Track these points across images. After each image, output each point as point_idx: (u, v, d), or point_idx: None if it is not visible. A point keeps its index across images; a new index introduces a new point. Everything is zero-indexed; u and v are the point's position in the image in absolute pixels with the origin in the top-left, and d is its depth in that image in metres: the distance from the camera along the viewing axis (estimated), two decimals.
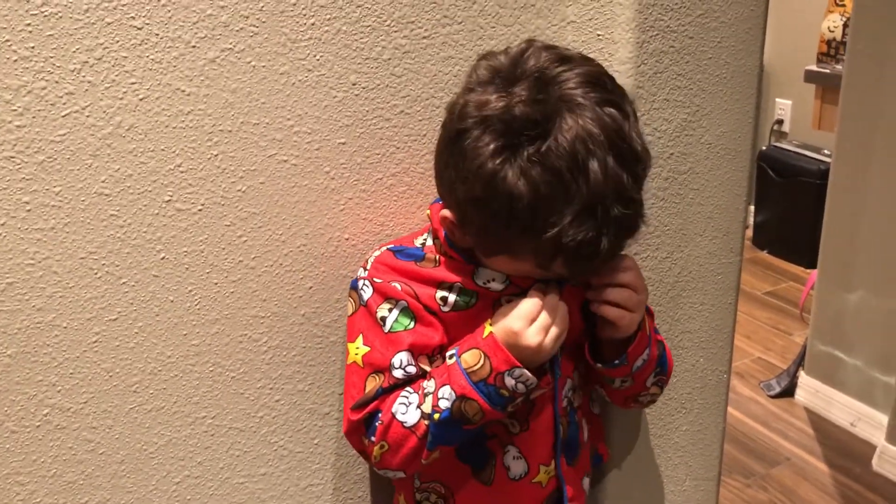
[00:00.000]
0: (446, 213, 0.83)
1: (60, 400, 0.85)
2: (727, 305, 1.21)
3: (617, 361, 0.90)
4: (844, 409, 2.40)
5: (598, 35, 0.98)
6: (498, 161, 0.73)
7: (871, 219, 2.23)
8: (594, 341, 0.92)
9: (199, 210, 0.86)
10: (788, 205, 3.41)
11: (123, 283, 0.85)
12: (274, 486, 1.01)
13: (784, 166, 3.41)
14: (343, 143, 0.91)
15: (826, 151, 3.26)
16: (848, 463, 2.25)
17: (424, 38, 0.92)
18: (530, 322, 0.81)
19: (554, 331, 0.82)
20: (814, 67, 3.15)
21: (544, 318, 0.82)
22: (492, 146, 0.74)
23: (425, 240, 0.91)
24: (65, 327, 0.83)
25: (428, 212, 0.93)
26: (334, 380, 1.00)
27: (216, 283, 0.89)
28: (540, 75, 0.75)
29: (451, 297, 0.87)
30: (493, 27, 0.95)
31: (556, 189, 0.72)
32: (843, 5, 3.10)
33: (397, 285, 0.86)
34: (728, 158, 1.11)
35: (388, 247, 0.90)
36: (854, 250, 2.29)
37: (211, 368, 0.92)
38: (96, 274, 0.83)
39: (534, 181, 0.72)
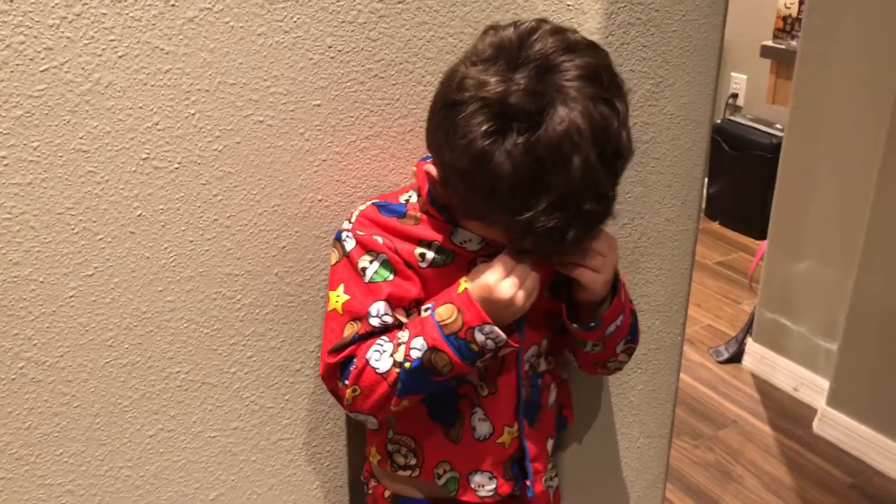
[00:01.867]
0: (431, 168, 0.86)
1: (36, 353, 0.86)
2: (683, 271, 1.26)
3: (592, 324, 0.94)
4: (788, 375, 2.50)
5: (568, 5, 1.01)
6: (488, 142, 0.76)
7: (820, 191, 2.31)
8: (571, 304, 0.96)
9: (176, 168, 0.87)
10: (741, 177, 3.49)
11: (100, 238, 0.86)
12: (245, 440, 1.03)
13: (737, 139, 3.49)
14: (318, 105, 0.93)
15: (778, 126, 3.35)
16: (790, 426, 2.35)
17: (399, 2, 0.93)
18: (504, 277, 0.85)
19: (527, 286, 0.86)
20: (770, 43, 3.22)
21: (518, 273, 0.85)
22: (484, 127, 0.76)
23: (410, 196, 0.94)
24: (41, 282, 0.84)
25: (414, 169, 0.95)
26: (306, 337, 1.03)
27: (191, 241, 0.91)
28: (542, 63, 0.77)
29: (430, 255, 0.90)
30: None
31: (537, 177, 0.76)
32: None
33: (379, 239, 0.89)
34: (688, 129, 1.15)
35: (374, 202, 0.93)
36: (804, 221, 2.37)
37: (185, 324, 0.94)
38: (73, 230, 0.84)
39: (517, 166, 0.75)
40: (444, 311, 0.86)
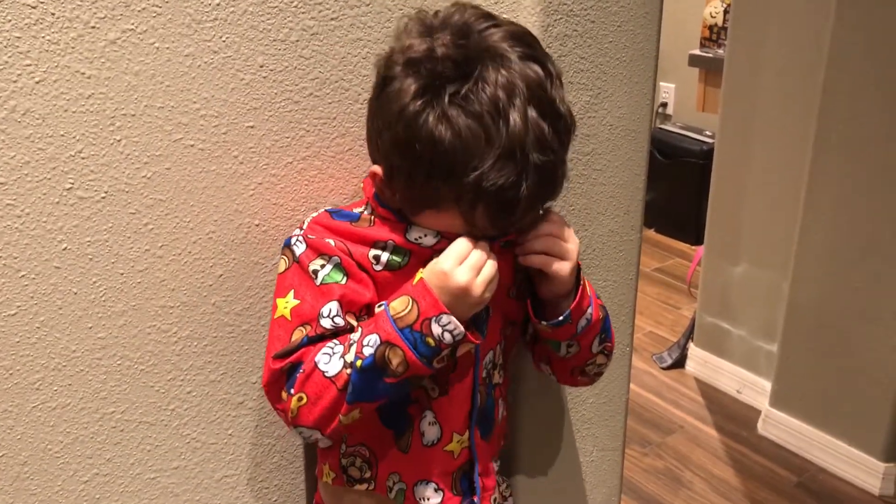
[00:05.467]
0: (376, 168, 0.84)
1: None
2: (628, 281, 1.26)
3: (561, 318, 0.91)
4: (731, 378, 2.54)
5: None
6: (420, 102, 0.75)
7: (753, 195, 2.36)
8: (537, 303, 0.93)
9: (103, 198, 0.83)
10: (674, 184, 3.55)
11: (23, 276, 0.81)
12: (187, 480, 0.98)
13: (669, 147, 3.55)
14: (251, 127, 0.89)
15: (708, 132, 3.41)
16: (736, 428, 2.38)
17: (332, 19, 0.91)
18: (459, 262, 0.81)
19: (484, 272, 0.82)
20: (697, 52, 3.29)
21: (475, 258, 0.82)
22: (413, 87, 0.75)
23: (363, 209, 0.91)
24: None
25: (362, 184, 0.93)
26: (247, 369, 0.98)
27: (122, 274, 0.86)
28: (463, 26, 0.78)
29: (384, 256, 0.87)
30: (402, 9, 0.95)
31: (477, 132, 0.75)
32: None
33: (331, 241, 0.86)
34: (628, 139, 1.15)
35: (327, 208, 0.91)
36: (738, 225, 2.41)
37: (118, 362, 0.89)
38: None
39: (455, 124, 0.74)
40: (398, 304, 0.82)
